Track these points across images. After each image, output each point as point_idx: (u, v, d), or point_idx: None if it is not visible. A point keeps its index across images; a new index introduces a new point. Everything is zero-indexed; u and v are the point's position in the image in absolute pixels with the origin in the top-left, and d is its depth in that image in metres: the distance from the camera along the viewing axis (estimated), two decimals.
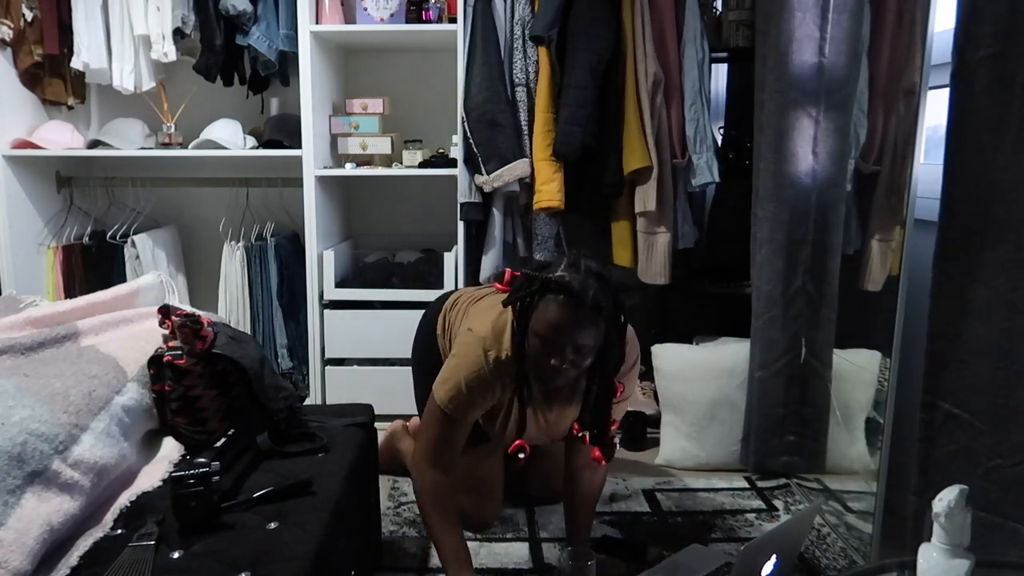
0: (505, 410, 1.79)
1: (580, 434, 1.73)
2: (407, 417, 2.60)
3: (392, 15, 2.60)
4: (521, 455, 1.70)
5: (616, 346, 1.63)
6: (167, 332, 1.63)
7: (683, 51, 2.46)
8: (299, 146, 2.61)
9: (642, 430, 2.65)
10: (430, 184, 2.82)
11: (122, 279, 2.70)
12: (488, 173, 2.47)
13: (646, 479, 2.41)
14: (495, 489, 2.11)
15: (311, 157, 2.60)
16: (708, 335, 2.70)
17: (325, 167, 2.70)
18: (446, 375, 1.71)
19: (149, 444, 1.58)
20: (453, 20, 2.53)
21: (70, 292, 2.74)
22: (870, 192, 2.17)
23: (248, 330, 2.77)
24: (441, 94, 2.84)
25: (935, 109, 1.61)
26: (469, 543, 2.00)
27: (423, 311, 2.16)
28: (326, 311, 2.70)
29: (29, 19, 2.58)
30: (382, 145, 2.71)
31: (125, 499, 1.36)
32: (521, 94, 2.50)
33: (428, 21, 2.59)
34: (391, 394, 2.44)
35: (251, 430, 1.61)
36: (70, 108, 2.85)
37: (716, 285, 2.79)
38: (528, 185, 2.52)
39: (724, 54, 2.71)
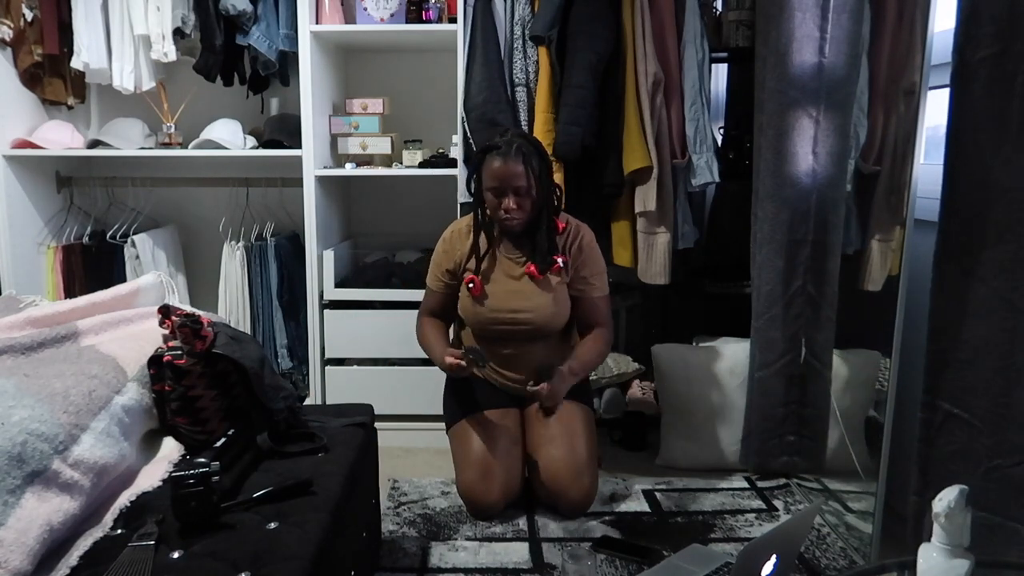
0: (475, 264, 2.22)
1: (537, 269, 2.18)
2: (408, 417, 2.61)
3: (392, 15, 2.60)
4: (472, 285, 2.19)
5: (548, 188, 2.16)
6: (167, 332, 1.63)
7: (683, 51, 2.46)
8: (299, 146, 2.61)
9: (642, 430, 2.65)
10: (430, 184, 2.82)
11: (122, 279, 2.70)
12: None
13: (646, 479, 2.41)
14: (493, 469, 2.14)
15: (311, 157, 2.60)
16: (708, 335, 2.70)
17: (325, 167, 2.70)
18: None
19: (149, 444, 1.58)
20: (453, 20, 2.53)
21: (70, 292, 2.74)
22: (870, 192, 2.17)
23: (248, 330, 2.77)
24: (441, 94, 2.84)
25: (935, 109, 1.61)
26: (469, 543, 2.01)
27: None
28: (326, 311, 2.69)
29: (29, 19, 2.58)
30: (382, 145, 2.71)
31: (125, 499, 1.36)
32: (521, 94, 2.50)
33: (428, 21, 2.59)
34: (391, 394, 2.45)
35: (251, 430, 1.61)
36: (70, 108, 2.85)
37: (716, 285, 2.79)
38: None
39: (724, 54, 2.71)
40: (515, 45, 2.49)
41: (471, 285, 2.19)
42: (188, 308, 1.73)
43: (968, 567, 1.10)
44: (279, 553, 1.22)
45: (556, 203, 2.21)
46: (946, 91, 1.43)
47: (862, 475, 2.15)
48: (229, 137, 2.68)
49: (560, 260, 2.18)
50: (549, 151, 2.45)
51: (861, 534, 2.00)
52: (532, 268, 2.17)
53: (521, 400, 2.26)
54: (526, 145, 2.10)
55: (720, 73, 2.89)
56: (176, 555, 1.21)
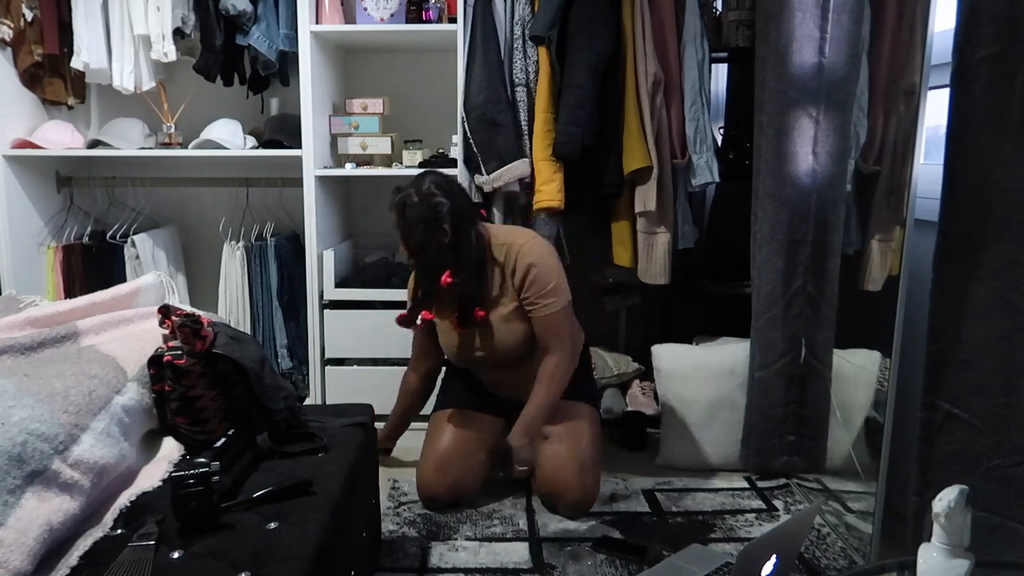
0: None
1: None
2: None
3: (392, 15, 2.60)
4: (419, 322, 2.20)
5: (455, 247, 2.05)
6: (167, 332, 1.63)
7: (683, 51, 2.46)
8: (299, 146, 2.61)
9: (642, 430, 2.65)
10: None
11: (122, 279, 2.70)
12: (488, 173, 2.47)
13: (646, 479, 2.41)
14: (449, 466, 2.19)
15: (311, 157, 2.60)
16: (708, 335, 2.70)
17: (325, 167, 2.70)
18: None
19: (149, 444, 1.58)
20: (453, 20, 2.53)
21: (70, 292, 2.74)
22: (870, 192, 2.17)
23: (248, 330, 2.77)
24: (441, 94, 2.84)
25: (935, 109, 1.60)
26: (469, 543, 2.01)
27: None
28: (326, 311, 2.69)
29: (29, 19, 2.58)
30: (382, 145, 2.71)
31: (125, 499, 1.36)
32: (521, 94, 2.50)
33: (428, 21, 2.59)
34: (391, 394, 2.44)
35: (251, 430, 1.61)
36: (70, 108, 2.85)
37: (716, 285, 2.79)
38: (528, 185, 2.52)
39: (724, 54, 2.71)
40: (515, 45, 2.49)
41: (420, 322, 2.20)
42: (188, 308, 1.73)
43: (968, 567, 1.10)
44: (279, 553, 1.22)
45: (456, 254, 2.07)
46: (946, 91, 1.43)
47: (862, 475, 2.15)
48: (229, 137, 2.68)
49: (479, 313, 2.13)
50: (549, 151, 2.45)
51: (861, 534, 1.99)
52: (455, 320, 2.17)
53: (511, 409, 2.22)
54: (421, 202, 2.02)
55: (720, 73, 2.89)
56: (176, 555, 1.21)
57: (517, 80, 2.49)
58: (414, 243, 2.05)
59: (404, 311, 2.22)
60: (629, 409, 2.73)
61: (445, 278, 2.07)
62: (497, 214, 2.56)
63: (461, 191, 2.16)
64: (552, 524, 2.11)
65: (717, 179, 2.48)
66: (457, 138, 2.54)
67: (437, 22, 2.59)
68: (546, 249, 2.18)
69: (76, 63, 2.58)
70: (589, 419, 2.24)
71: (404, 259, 2.85)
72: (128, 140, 2.73)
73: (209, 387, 1.60)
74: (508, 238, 2.17)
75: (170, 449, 1.58)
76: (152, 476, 1.46)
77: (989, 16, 1.35)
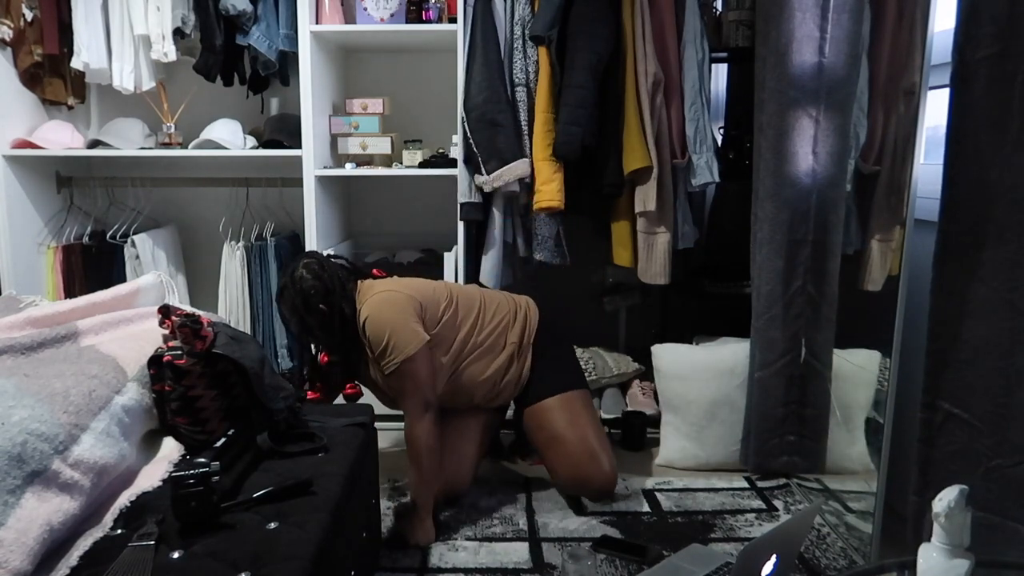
0: None
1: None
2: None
3: (392, 15, 2.60)
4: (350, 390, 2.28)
5: (326, 328, 2.06)
6: (167, 332, 1.63)
7: (683, 51, 2.46)
8: (299, 146, 2.61)
9: (642, 430, 2.65)
10: (430, 184, 2.82)
11: (122, 279, 2.70)
12: (488, 173, 2.47)
13: (646, 479, 2.41)
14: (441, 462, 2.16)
15: (311, 157, 2.60)
16: (708, 335, 2.70)
17: (325, 167, 2.70)
18: None
19: (149, 444, 1.58)
20: (453, 20, 2.53)
21: (70, 292, 2.74)
22: (870, 192, 2.17)
23: (248, 330, 2.77)
24: (441, 94, 2.84)
25: (935, 109, 1.61)
26: (469, 543, 2.01)
27: None
28: None
29: (29, 19, 2.58)
30: (382, 145, 2.71)
31: (125, 499, 1.36)
32: (521, 94, 2.50)
33: (428, 21, 2.59)
34: None
35: (251, 430, 1.61)
36: (70, 108, 2.85)
37: (716, 285, 2.79)
38: (528, 185, 2.52)
39: (724, 54, 2.71)
40: (515, 45, 2.49)
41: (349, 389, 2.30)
42: (188, 308, 1.73)
43: (968, 567, 1.10)
44: (279, 553, 1.22)
45: (331, 333, 2.07)
46: (946, 91, 1.43)
47: (862, 475, 2.15)
48: (229, 137, 2.68)
49: (349, 389, 2.27)
50: (549, 151, 2.46)
51: (861, 534, 1.99)
52: (310, 394, 2.24)
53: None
54: (288, 286, 2.06)
55: (720, 73, 2.88)
56: (176, 555, 1.21)
57: (517, 80, 2.49)
58: (295, 331, 2.15)
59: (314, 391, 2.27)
60: (629, 409, 2.73)
61: (322, 358, 2.19)
62: (497, 214, 2.56)
63: (334, 267, 2.10)
64: (552, 524, 2.11)
65: (717, 179, 2.48)
66: (457, 138, 2.54)
67: (437, 22, 2.60)
68: (385, 301, 2.03)
69: (76, 63, 2.58)
70: (583, 403, 2.26)
71: (404, 259, 2.86)
72: (128, 140, 2.73)
73: (209, 387, 1.60)
74: (364, 297, 2.07)
75: (170, 449, 1.58)
76: (152, 476, 1.46)
77: (989, 16, 1.35)
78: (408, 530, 2.00)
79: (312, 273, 2.05)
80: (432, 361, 2.06)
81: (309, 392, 2.23)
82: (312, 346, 2.26)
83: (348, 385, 2.27)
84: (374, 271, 2.23)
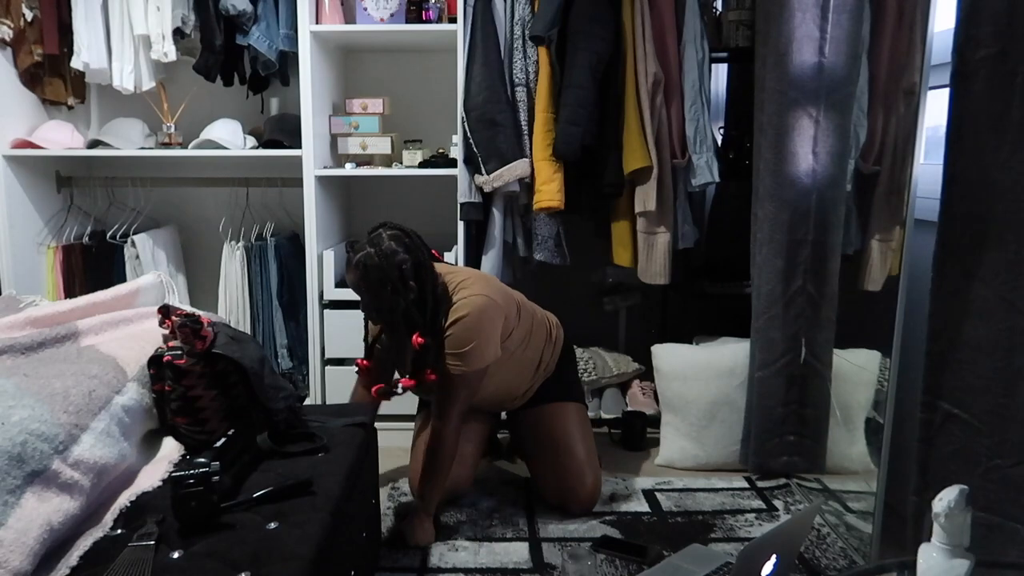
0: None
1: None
2: (408, 417, 2.60)
3: (392, 15, 2.60)
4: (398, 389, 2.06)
5: (420, 305, 1.91)
6: (167, 332, 1.63)
7: (683, 51, 2.46)
8: (299, 146, 2.61)
9: (642, 430, 2.65)
10: (430, 184, 2.82)
11: (122, 279, 2.70)
12: (488, 173, 2.47)
13: (646, 479, 2.41)
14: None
15: (311, 157, 2.60)
16: (708, 335, 2.70)
17: (325, 167, 2.70)
18: None
19: (149, 444, 1.58)
20: (453, 20, 2.53)
21: (70, 292, 2.74)
22: (870, 192, 2.17)
23: (248, 330, 2.77)
24: (441, 94, 2.84)
25: (935, 109, 1.61)
26: (469, 543, 2.01)
27: None
28: (326, 311, 2.69)
29: (29, 19, 2.58)
30: (382, 145, 2.71)
31: (125, 499, 1.36)
32: (521, 94, 2.50)
33: (428, 21, 2.59)
34: None
35: (251, 430, 1.61)
36: (70, 108, 2.85)
37: (716, 285, 2.79)
38: (528, 185, 2.52)
39: (724, 54, 2.71)
40: (515, 45, 2.49)
41: (401, 390, 2.07)
42: (188, 308, 1.73)
43: (968, 567, 1.10)
44: (279, 553, 1.22)
45: (422, 313, 1.92)
46: (946, 91, 1.43)
47: (862, 475, 2.15)
48: (229, 137, 2.68)
49: (430, 376, 1.97)
50: (549, 151, 2.46)
51: (861, 534, 1.99)
52: (404, 382, 2.03)
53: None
54: (369, 257, 1.85)
55: (720, 73, 2.88)
56: (176, 555, 1.21)
57: (517, 80, 2.49)
58: (377, 307, 1.91)
59: (380, 384, 2.08)
60: (629, 409, 2.73)
61: (416, 339, 1.92)
62: (497, 214, 2.56)
63: (419, 241, 1.97)
64: (552, 524, 2.11)
65: (717, 179, 2.48)
66: (457, 138, 2.54)
67: (437, 22, 2.60)
68: (486, 307, 1.95)
69: (76, 63, 2.58)
70: (578, 418, 2.25)
71: None
72: (128, 140, 2.73)
73: (209, 387, 1.60)
74: (455, 280, 2.01)
75: (170, 449, 1.58)
76: (152, 476, 1.46)
77: (989, 16, 1.35)
78: (408, 530, 2.00)
79: (403, 247, 1.89)
80: (487, 374, 2.02)
81: (404, 380, 2.04)
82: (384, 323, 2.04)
83: (403, 379, 2.06)
84: (433, 251, 2.07)
